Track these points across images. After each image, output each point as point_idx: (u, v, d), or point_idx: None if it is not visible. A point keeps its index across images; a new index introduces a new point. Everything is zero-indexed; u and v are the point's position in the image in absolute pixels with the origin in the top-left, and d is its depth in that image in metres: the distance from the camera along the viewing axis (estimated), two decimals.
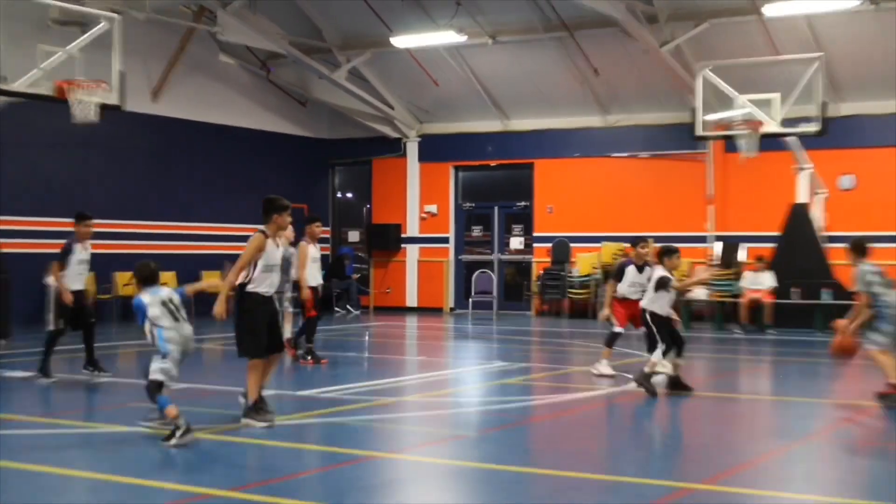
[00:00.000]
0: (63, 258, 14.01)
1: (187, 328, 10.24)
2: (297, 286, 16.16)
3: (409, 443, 10.47)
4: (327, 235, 30.63)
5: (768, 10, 22.20)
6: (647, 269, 14.76)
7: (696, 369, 14.75)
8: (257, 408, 10.61)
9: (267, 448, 9.65)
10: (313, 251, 16.14)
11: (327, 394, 13.03)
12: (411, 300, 29.98)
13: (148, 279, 10.35)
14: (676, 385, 13.28)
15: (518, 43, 26.12)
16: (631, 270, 14.99)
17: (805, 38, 23.25)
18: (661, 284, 13.34)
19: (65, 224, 23.20)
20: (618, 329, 15.02)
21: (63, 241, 14.38)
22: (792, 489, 8.51)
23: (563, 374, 16.02)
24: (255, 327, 10.70)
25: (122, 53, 18.23)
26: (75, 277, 14.09)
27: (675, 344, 13.32)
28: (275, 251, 10.79)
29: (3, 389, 13.69)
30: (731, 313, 23.53)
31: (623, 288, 14.98)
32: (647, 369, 13.25)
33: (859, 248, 12.93)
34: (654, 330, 13.33)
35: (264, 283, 10.72)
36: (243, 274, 10.61)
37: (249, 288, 10.64)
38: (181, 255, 24.22)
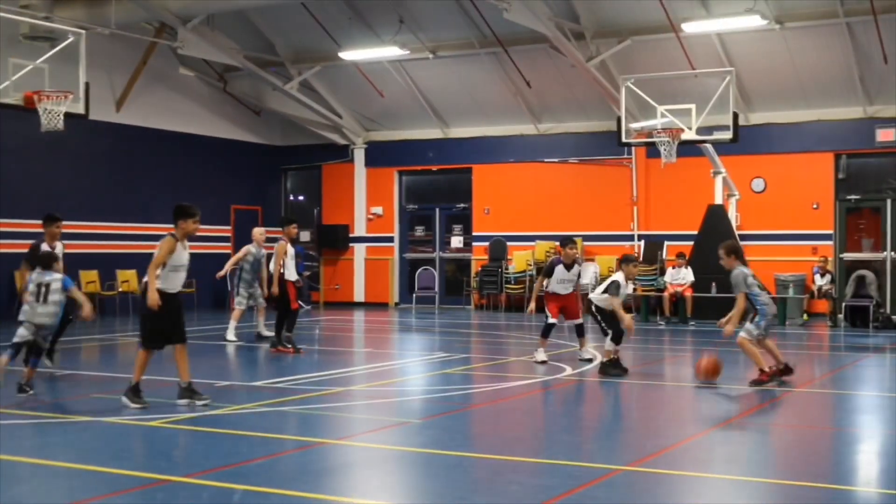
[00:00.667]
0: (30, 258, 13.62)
1: (42, 308, 11.52)
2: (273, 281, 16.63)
3: (357, 430, 10.27)
4: (279, 235, 30.30)
5: (686, 28, 22.32)
6: (576, 266, 15.23)
7: (625, 358, 14.64)
8: (136, 390, 10.84)
9: (219, 436, 9.40)
10: (291, 249, 16.62)
11: (277, 384, 12.80)
12: (359, 296, 29.80)
13: (40, 262, 11.80)
14: (616, 365, 13.72)
15: (456, 57, 26.03)
16: (560, 269, 15.17)
17: (718, 54, 23.42)
18: (611, 289, 13.76)
19: (32, 225, 22.90)
20: (552, 321, 15.06)
21: (31, 242, 14.00)
22: (714, 470, 8.42)
23: (500, 363, 15.88)
24: (156, 321, 10.84)
25: (87, 66, 17.98)
26: None
27: (617, 332, 13.69)
28: (182, 253, 10.98)
29: None
30: (656, 306, 23.60)
31: (553, 284, 15.17)
32: (604, 359, 13.78)
33: (736, 251, 13.16)
34: (600, 320, 13.84)
35: (169, 282, 10.88)
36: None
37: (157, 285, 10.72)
38: (140, 255, 23.94)
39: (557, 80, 25.60)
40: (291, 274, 16.55)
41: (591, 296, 14.18)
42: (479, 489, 7.71)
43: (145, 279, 10.81)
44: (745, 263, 13.20)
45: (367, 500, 7.41)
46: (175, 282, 10.99)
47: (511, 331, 21.71)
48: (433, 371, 14.67)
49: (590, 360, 14.97)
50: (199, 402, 10.82)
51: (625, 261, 14.13)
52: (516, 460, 8.53)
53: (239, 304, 18.47)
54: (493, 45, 24.90)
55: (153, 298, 10.59)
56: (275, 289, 16.46)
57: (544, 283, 15.31)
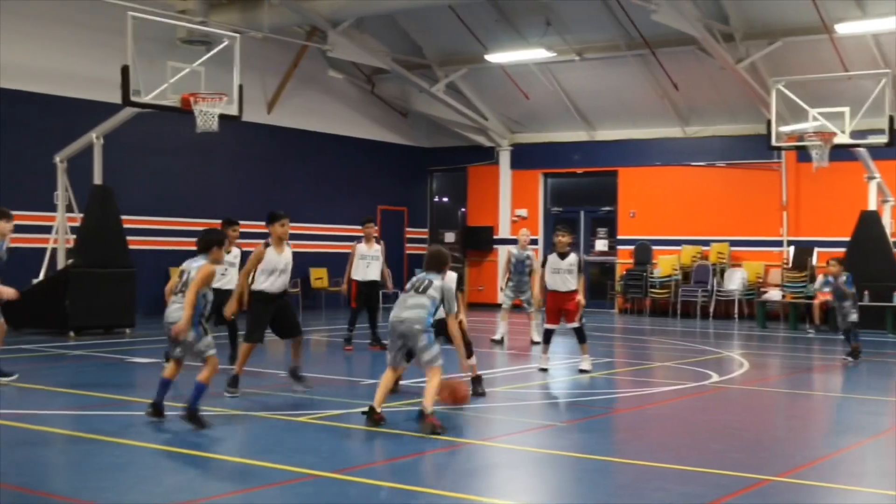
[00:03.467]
0: None
1: None
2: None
3: (501, 431, 10.27)
4: (425, 236, 30.70)
5: (840, 29, 21.77)
6: (573, 256, 14.27)
7: (772, 367, 14.33)
8: (235, 380, 11.59)
9: (365, 433, 9.52)
10: (367, 250, 16.85)
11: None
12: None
13: None
14: None
15: (603, 59, 25.88)
16: (552, 257, 14.34)
17: (873, 55, 22.75)
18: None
19: (185, 224, 23.63)
20: (549, 327, 14.46)
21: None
22: (866, 484, 8.18)
23: (645, 368, 15.71)
24: (257, 318, 11.66)
25: (240, 69, 18.37)
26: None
27: None
28: (274, 258, 11.68)
29: (130, 373, 13.82)
30: (805, 314, 23.02)
31: (548, 274, 14.26)
32: None
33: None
34: None
35: (269, 284, 11.65)
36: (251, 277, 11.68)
37: (253, 287, 11.68)
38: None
39: (705, 82, 25.23)
40: (358, 274, 16.79)
41: None
42: (624, 494, 7.64)
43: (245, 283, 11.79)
44: None
45: (512, 502, 7.41)
46: (275, 284, 11.68)
47: (656, 335, 21.46)
48: (576, 375, 14.58)
49: (585, 372, 14.21)
50: (301, 388, 11.78)
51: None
52: (662, 466, 8.43)
53: (503, 302, 18.80)
54: (640, 46, 24.67)
55: (231, 306, 11.77)
56: (343, 288, 17.36)
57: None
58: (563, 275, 14.08)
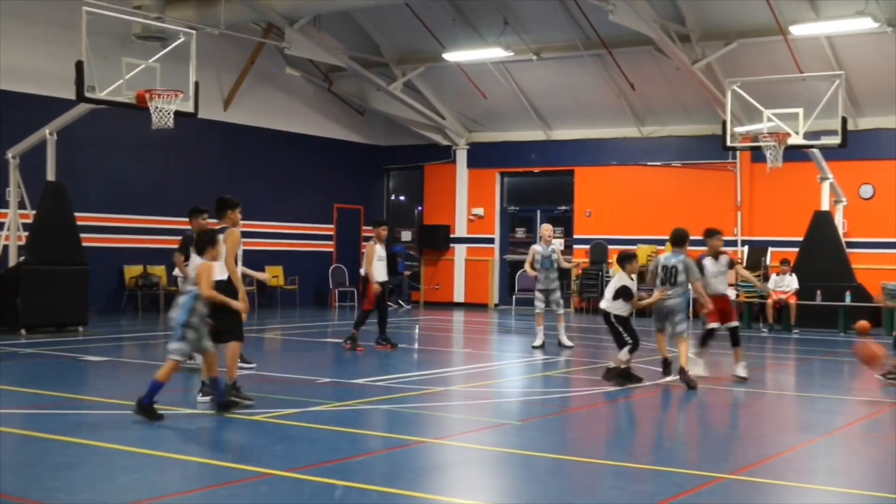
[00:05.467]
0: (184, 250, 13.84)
1: None
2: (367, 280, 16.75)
3: (455, 430, 10.31)
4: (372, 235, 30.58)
5: (795, 31, 21.98)
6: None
7: (724, 366, 14.46)
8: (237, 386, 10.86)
9: (321, 432, 9.51)
10: (380, 251, 16.67)
11: (378, 382, 12.90)
12: (458, 296, 29.89)
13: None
14: (628, 377, 13.13)
15: (560, 59, 25.96)
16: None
17: (827, 57, 22.98)
18: (622, 294, 13.03)
19: (140, 221, 23.48)
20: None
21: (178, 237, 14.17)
22: (817, 482, 8.28)
23: (599, 367, 15.74)
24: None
25: (196, 66, 18.26)
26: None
27: (636, 343, 13.08)
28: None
29: (82, 371, 13.71)
30: (759, 313, 23.22)
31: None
32: (615, 365, 13.14)
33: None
34: (621, 331, 13.07)
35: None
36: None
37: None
38: (244, 251, 24.30)
39: (662, 82, 25.38)
40: (381, 275, 16.68)
41: (606, 306, 13.26)
42: (579, 493, 7.68)
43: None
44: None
45: (465, 500, 7.43)
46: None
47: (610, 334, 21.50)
48: (531, 373, 14.62)
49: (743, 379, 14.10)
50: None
51: (626, 259, 13.35)
52: (616, 465, 8.49)
53: (536, 307, 17.86)
54: (597, 46, 24.76)
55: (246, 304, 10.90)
56: (373, 288, 16.48)
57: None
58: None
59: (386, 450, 8.99)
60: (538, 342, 17.50)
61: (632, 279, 13.20)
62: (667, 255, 13.72)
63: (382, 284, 16.72)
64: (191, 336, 9.81)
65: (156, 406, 9.75)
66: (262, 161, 27.21)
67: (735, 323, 13.93)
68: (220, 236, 10.53)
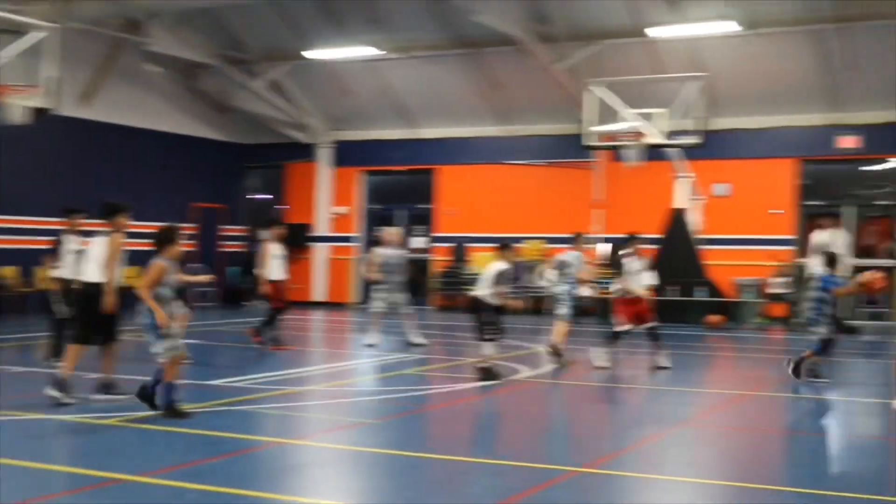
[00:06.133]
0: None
1: None
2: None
3: (312, 430, 10.25)
4: (242, 233, 30.20)
5: (654, 32, 22.41)
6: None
7: (581, 362, 14.70)
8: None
9: (174, 435, 9.35)
10: (276, 249, 17.11)
11: (234, 383, 12.75)
12: (318, 295, 29.71)
13: None
14: (490, 374, 13.30)
15: (426, 58, 26.05)
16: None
17: (689, 59, 23.48)
18: (501, 279, 13.40)
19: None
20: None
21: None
22: (668, 472, 8.48)
23: (457, 365, 15.85)
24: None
25: (55, 60, 17.77)
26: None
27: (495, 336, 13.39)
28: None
29: None
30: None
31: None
32: (481, 364, 13.37)
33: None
34: (485, 322, 13.41)
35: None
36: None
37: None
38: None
39: (526, 82, 25.64)
40: (273, 273, 16.99)
41: (480, 293, 13.49)
42: (436, 490, 7.72)
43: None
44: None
45: (322, 501, 7.40)
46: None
47: (469, 332, 21.62)
48: (390, 372, 14.64)
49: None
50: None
51: (506, 247, 13.80)
52: (473, 461, 8.55)
53: (376, 307, 18.06)
54: (463, 45, 24.91)
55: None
56: (264, 288, 16.96)
57: None
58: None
59: (241, 451, 8.89)
60: (373, 340, 17.72)
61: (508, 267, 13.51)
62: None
63: (280, 282, 17.09)
64: (168, 332, 10.12)
65: (179, 405, 10.08)
66: (120, 159, 26.56)
67: (653, 323, 14.88)
68: (108, 238, 11.10)
